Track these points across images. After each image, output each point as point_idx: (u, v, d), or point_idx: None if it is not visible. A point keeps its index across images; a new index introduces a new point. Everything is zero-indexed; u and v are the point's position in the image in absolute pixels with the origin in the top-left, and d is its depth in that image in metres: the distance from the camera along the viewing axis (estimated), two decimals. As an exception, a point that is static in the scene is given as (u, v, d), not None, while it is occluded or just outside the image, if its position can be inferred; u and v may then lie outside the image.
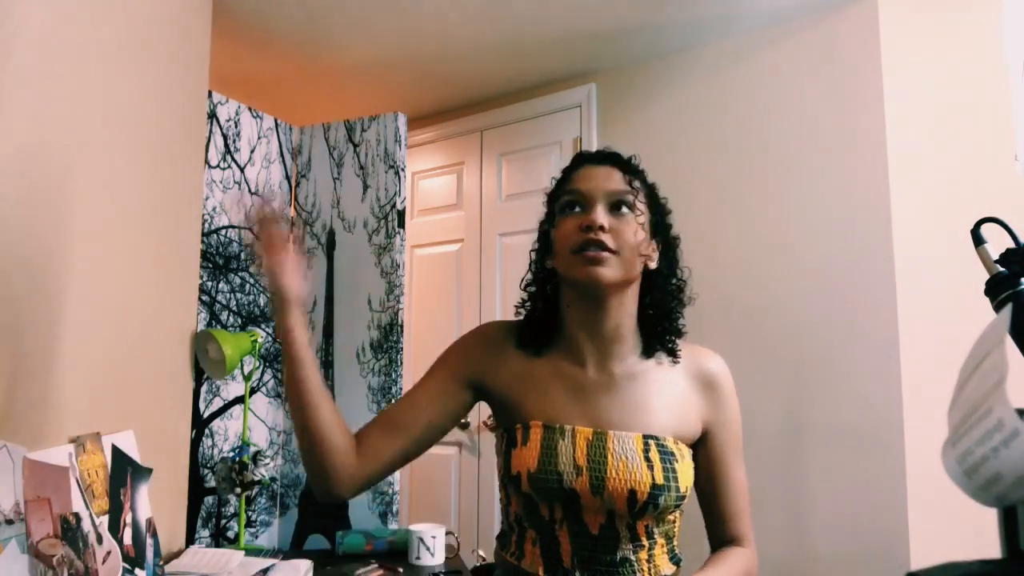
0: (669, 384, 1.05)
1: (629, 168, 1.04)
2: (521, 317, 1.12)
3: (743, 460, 1.09)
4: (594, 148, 2.05)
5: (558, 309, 1.08)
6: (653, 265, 1.05)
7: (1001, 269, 0.87)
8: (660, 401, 1.03)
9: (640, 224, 1.01)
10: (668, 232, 1.08)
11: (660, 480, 0.96)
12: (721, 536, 1.08)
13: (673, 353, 1.06)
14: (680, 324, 1.08)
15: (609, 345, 1.04)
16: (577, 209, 1.02)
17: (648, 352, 1.06)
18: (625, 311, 1.04)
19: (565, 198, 1.03)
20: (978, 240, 0.91)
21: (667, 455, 0.99)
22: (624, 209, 1.01)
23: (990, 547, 0.43)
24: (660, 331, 1.06)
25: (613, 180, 1.02)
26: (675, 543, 1.05)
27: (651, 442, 0.99)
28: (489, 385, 1.08)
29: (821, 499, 2.01)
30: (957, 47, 2.07)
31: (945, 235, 1.74)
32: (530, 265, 1.12)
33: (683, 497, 0.99)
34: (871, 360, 1.96)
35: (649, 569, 0.99)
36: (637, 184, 1.03)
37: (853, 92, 2.07)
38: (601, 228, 0.98)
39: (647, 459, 0.97)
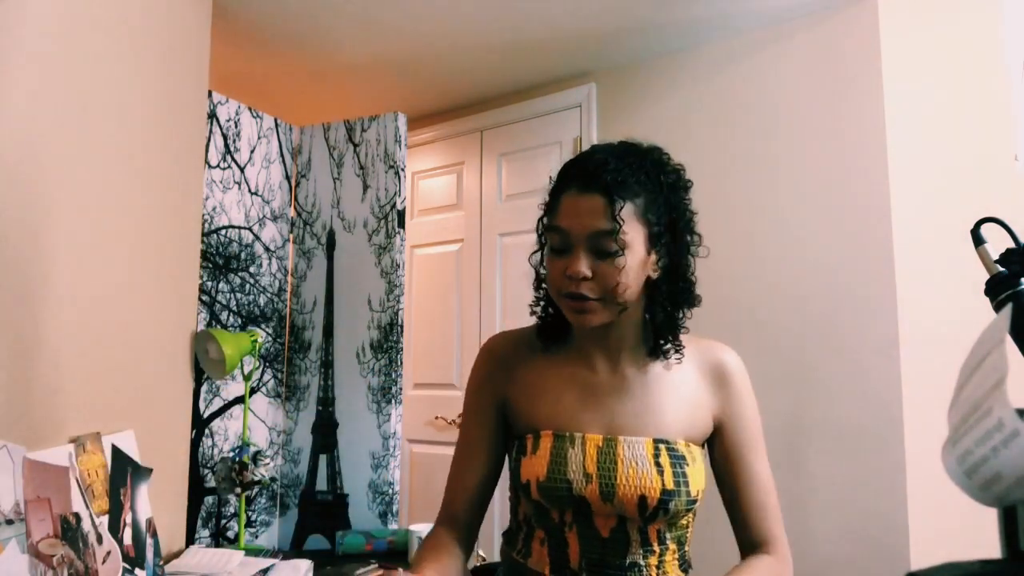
0: (680, 383, 1.04)
1: (618, 190, 0.95)
2: (534, 316, 1.11)
3: (765, 457, 1.05)
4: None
5: None
6: (655, 276, 1.01)
7: (1001, 269, 0.86)
8: (671, 402, 1.02)
9: (622, 267, 0.95)
10: (674, 237, 1.01)
11: (670, 485, 0.96)
12: (746, 540, 1.04)
13: (677, 352, 1.04)
14: (683, 323, 1.06)
15: (617, 350, 1.05)
16: (562, 248, 0.98)
17: (655, 353, 1.05)
18: (629, 321, 1.03)
19: (551, 234, 1.00)
20: (978, 240, 0.90)
21: (678, 459, 0.98)
22: (607, 249, 0.95)
23: (990, 547, 0.43)
24: (663, 335, 1.04)
25: (596, 216, 0.94)
26: (687, 549, 1.04)
27: (662, 446, 0.98)
28: (508, 400, 1.09)
29: (821, 499, 2.01)
30: (957, 47, 2.07)
31: (945, 235, 1.74)
32: (536, 263, 1.09)
33: (694, 501, 0.98)
34: (871, 360, 1.96)
35: (658, 575, 0.99)
36: (624, 212, 0.94)
37: (853, 92, 2.07)
38: (584, 278, 0.95)
39: (657, 464, 0.97)
